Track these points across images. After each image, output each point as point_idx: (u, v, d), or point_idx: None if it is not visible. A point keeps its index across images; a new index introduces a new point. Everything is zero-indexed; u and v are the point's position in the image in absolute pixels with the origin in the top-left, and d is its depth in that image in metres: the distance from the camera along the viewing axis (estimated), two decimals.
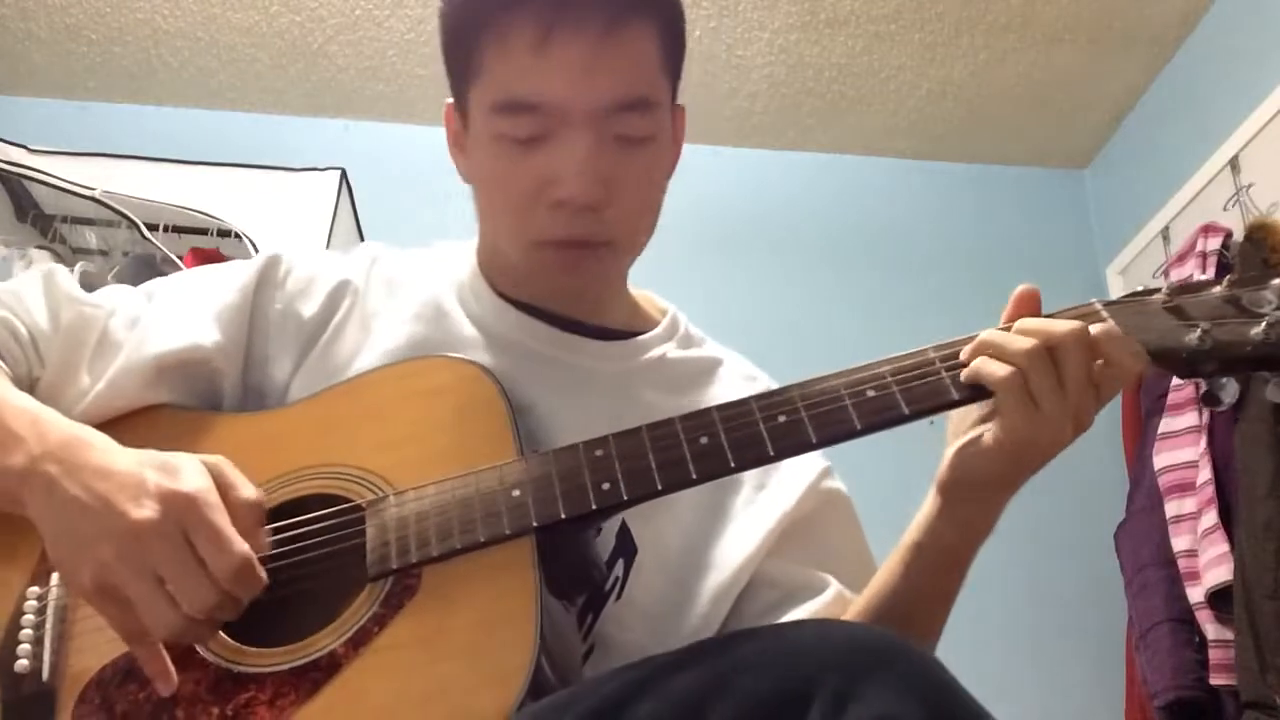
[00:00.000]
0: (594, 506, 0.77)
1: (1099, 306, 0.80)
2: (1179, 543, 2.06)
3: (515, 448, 0.81)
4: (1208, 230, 2.29)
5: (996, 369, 0.75)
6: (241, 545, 0.72)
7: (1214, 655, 1.96)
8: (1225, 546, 1.93)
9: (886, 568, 0.88)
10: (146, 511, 0.70)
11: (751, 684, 0.62)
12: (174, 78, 2.81)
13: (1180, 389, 2.14)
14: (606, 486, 0.77)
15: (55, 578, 0.80)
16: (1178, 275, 2.31)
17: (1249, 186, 2.32)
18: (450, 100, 0.93)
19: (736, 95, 2.83)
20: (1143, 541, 2.18)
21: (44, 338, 0.90)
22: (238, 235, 2.29)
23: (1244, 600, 1.84)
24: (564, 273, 0.89)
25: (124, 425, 0.86)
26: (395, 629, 0.74)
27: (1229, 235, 2.27)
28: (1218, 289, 0.79)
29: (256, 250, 2.24)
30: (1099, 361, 0.74)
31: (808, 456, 0.88)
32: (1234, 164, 2.37)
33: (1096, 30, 2.63)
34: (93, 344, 0.90)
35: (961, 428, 0.82)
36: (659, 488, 0.77)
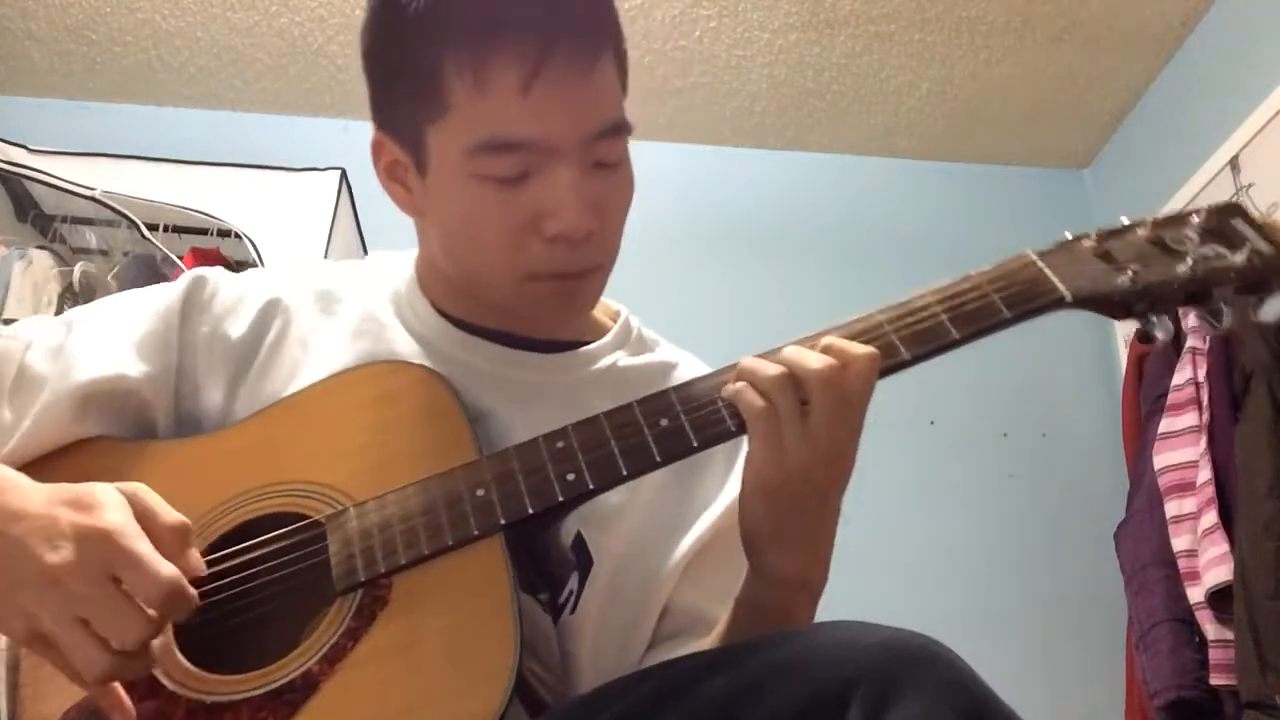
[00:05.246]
0: (560, 499, 0.76)
1: (1033, 257, 0.83)
2: (1179, 543, 2.06)
3: (474, 448, 0.80)
4: None
5: (751, 398, 0.75)
6: (168, 568, 0.68)
7: (1214, 655, 1.96)
8: (1225, 546, 1.93)
9: (724, 620, 0.86)
10: (63, 553, 0.67)
11: (784, 691, 0.62)
12: (174, 78, 2.80)
13: (1180, 390, 2.14)
14: (571, 477, 0.76)
15: None
16: None
17: (1249, 186, 2.32)
18: (379, 131, 0.89)
19: (736, 95, 2.83)
20: (1143, 541, 2.18)
21: None
22: (238, 235, 2.29)
23: (1244, 600, 1.84)
24: (562, 304, 0.88)
25: (58, 461, 0.84)
26: (370, 642, 0.72)
27: None
28: (1142, 230, 0.83)
29: (257, 250, 2.24)
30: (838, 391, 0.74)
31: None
32: (1234, 164, 2.37)
33: (1096, 30, 2.63)
34: (11, 378, 0.86)
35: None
36: (624, 474, 0.77)
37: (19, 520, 0.69)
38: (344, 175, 2.43)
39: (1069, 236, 0.85)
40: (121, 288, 2.21)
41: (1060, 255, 0.83)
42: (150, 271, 2.28)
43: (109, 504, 0.69)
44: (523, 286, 0.85)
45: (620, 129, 0.84)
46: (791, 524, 0.77)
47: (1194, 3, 2.55)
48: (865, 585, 2.33)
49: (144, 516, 0.70)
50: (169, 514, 0.72)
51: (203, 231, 2.35)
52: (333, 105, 2.87)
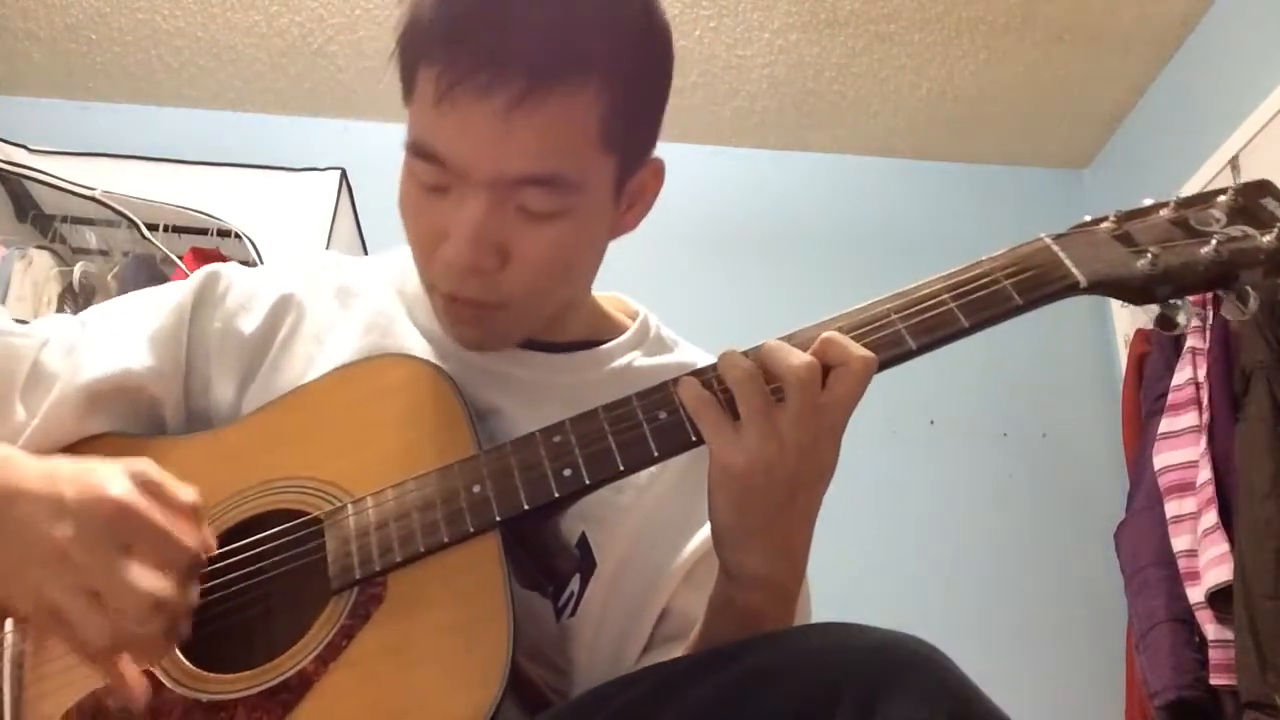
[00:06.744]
0: (556, 494, 0.75)
1: (1048, 241, 0.79)
2: (1179, 543, 2.06)
3: (473, 443, 0.79)
4: None
5: (695, 391, 0.74)
6: (189, 533, 0.70)
7: (1214, 655, 1.96)
8: (1225, 546, 1.93)
9: (700, 622, 0.83)
10: (67, 529, 0.67)
11: (774, 694, 0.61)
12: (174, 78, 2.80)
13: (1180, 389, 2.14)
14: (568, 473, 0.75)
15: (9, 624, 0.77)
16: None
17: None
18: None
19: (736, 95, 2.83)
20: (1143, 541, 2.18)
21: None
22: (238, 235, 2.29)
23: (1244, 600, 1.84)
24: (457, 325, 0.87)
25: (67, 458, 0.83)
26: (364, 640, 0.72)
27: None
28: (1165, 211, 0.79)
29: (257, 250, 2.25)
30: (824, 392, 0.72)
31: None
32: (1234, 164, 2.37)
33: (1096, 30, 2.63)
34: (24, 376, 0.86)
35: None
36: (621, 468, 0.75)
37: (17, 499, 0.69)
38: (344, 175, 2.44)
39: (1088, 219, 0.81)
40: (121, 288, 2.21)
41: (1077, 239, 0.79)
42: (150, 271, 2.28)
43: (110, 476, 0.70)
44: (431, 293, 0.86)
45: (553, 182, 0.78)
46: (755, 519, 0.73)
47: (1194, 3, 2.55)
48: (865, 585, 2.33)
49: (154, 493, 0.71)
50: (180, 489, 0.72)
51: (203, 231, 2.35)
52: (333, 105, 2.87)
